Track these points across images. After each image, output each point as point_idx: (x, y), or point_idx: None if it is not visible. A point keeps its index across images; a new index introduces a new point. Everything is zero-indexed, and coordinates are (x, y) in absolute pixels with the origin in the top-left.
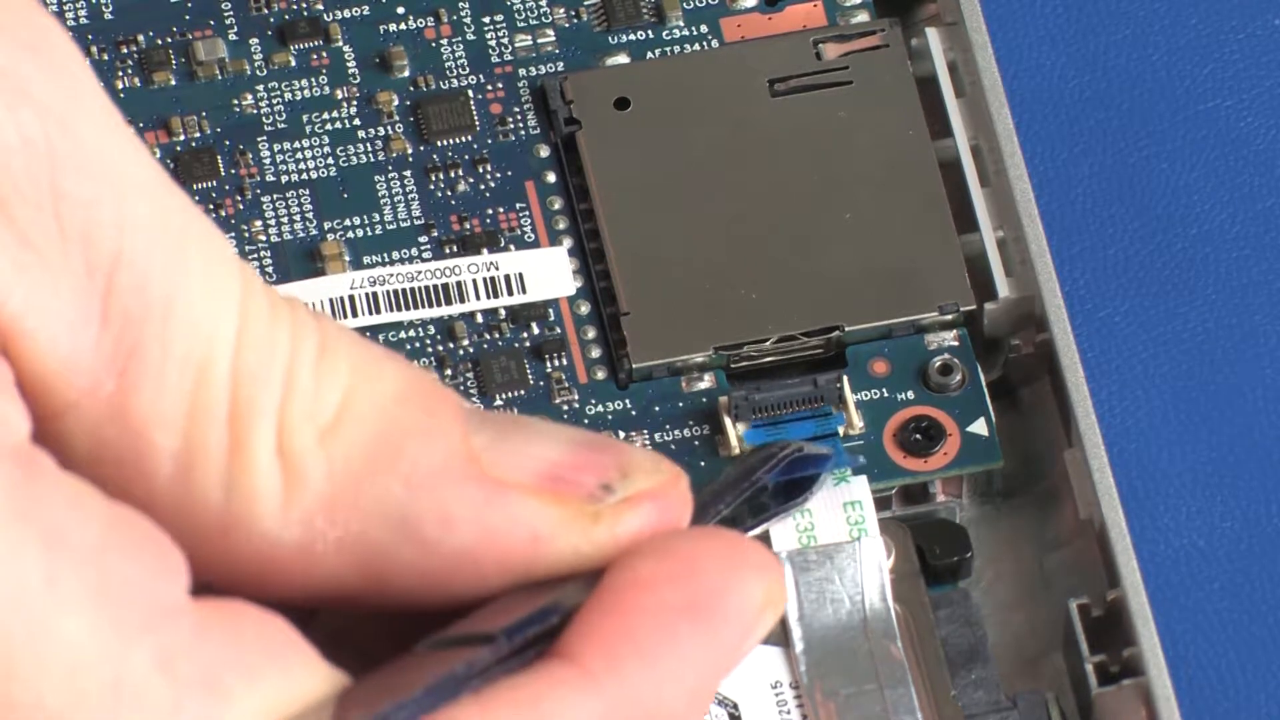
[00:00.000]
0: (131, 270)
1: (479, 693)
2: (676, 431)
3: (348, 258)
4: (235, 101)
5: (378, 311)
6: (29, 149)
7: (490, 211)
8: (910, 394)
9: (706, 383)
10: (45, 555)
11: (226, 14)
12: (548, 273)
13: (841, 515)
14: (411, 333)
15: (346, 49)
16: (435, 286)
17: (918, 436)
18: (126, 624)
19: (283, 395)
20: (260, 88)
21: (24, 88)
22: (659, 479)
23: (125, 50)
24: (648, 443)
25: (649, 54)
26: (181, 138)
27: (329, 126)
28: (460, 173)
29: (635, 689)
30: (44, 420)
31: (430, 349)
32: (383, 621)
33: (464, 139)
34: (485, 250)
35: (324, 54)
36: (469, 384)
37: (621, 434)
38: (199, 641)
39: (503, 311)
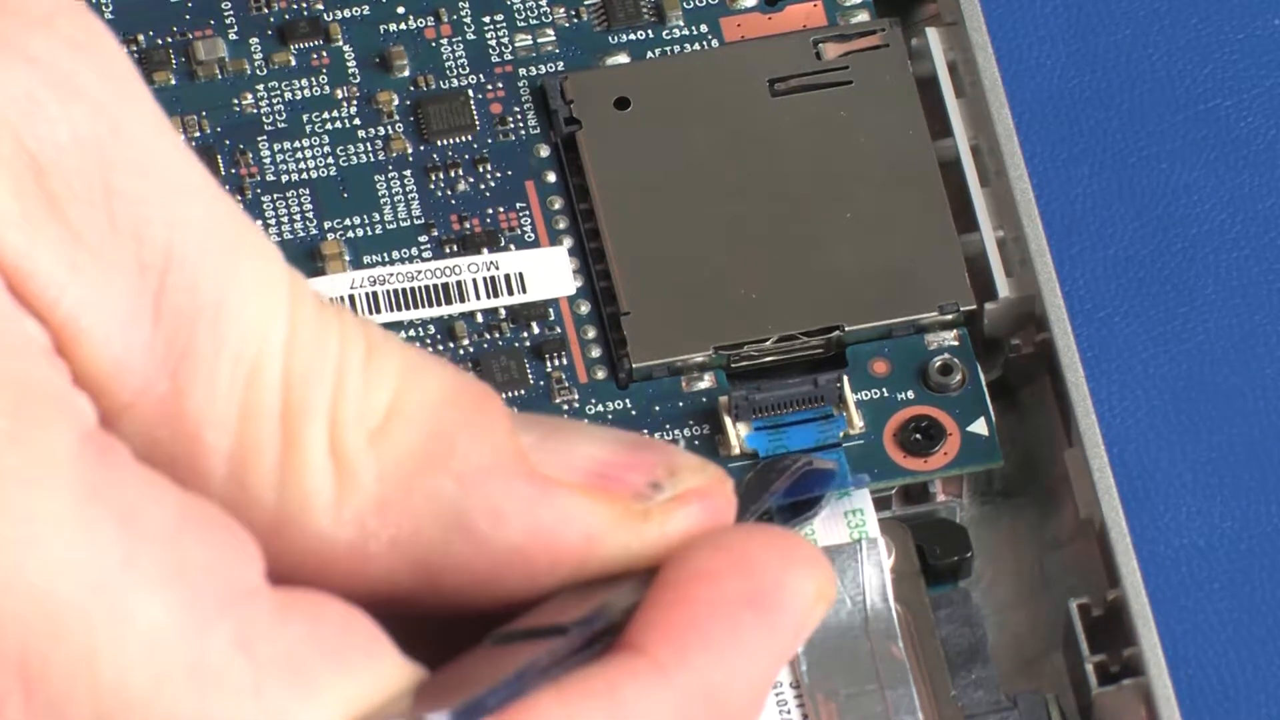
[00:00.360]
0: (183, 269)
1: (558, 682)
2: (677, 431)
3: (348, 257)
4: (235, 101)
5: (378, 311)
6: (81, 146)
7: (490, 211)
8: (910, 394)
9: (706, 382)
10: (122, 537)
11: (226, 14)
12: (548, 272)
13: (842, 522)
14: (411, 332)
15: (346, 49)
16: (435, 286)
17: (918, 436)
18: (205, 605)
19: (333, 397)
20: (260, 87)
21: (76, 86)
22: (706, 478)
23: (125, 50)
24: None
25: (649, 54)
26: (181, 137)
27: (329, 126)
28: (460, 172)
29: (704, 679)
30: (101, 417)
31: (430, 349)
32: (430, 625)
33: (464, 139)
34: (485, 250)
35: (324, 54)
36: None
37: None
38: (279, 626)
39: (503, 311)
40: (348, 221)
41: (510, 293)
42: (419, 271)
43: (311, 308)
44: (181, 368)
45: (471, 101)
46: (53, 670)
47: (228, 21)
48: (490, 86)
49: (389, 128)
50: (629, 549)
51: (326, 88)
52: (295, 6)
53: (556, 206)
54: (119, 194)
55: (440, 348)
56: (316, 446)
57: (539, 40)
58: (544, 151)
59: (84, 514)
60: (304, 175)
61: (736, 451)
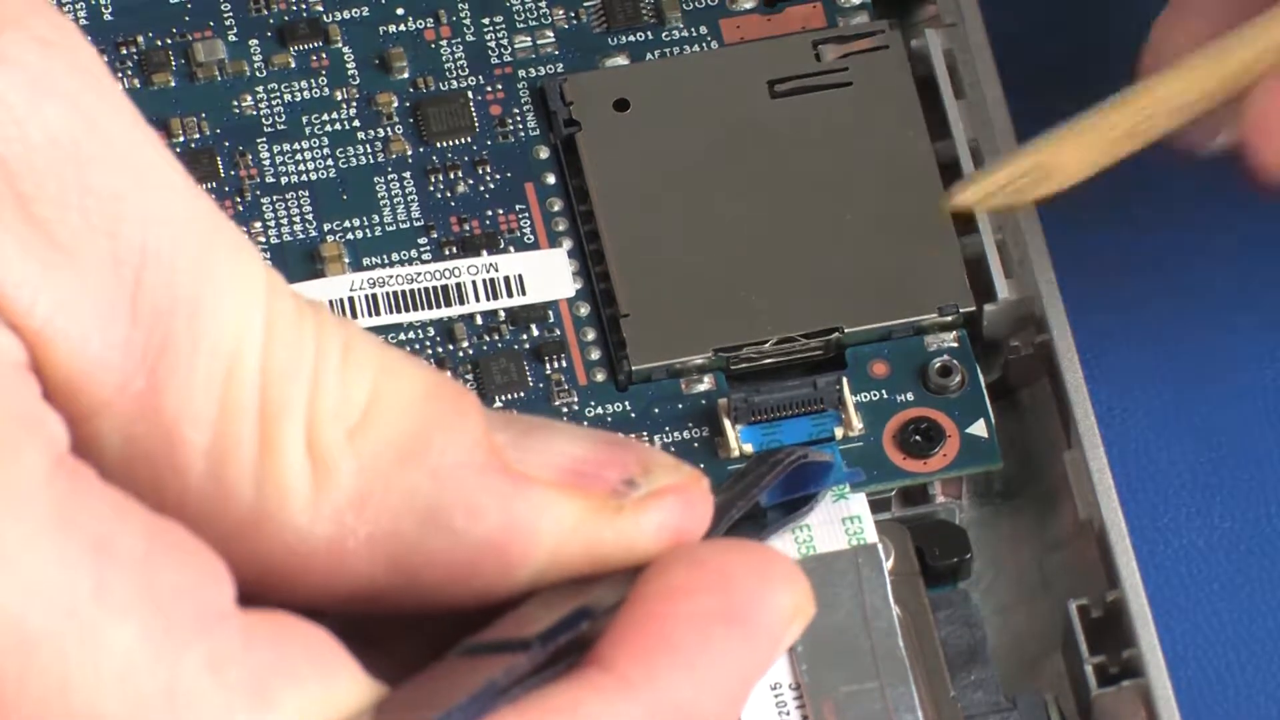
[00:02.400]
0: (159, 266)
1: (517, 702)
2: (676, 433)
3: (347, 259)
4: (235, 103)
5: (377, 313)
6: (54, 145)
7: (490, 213)
8: (910, 395)
9: (706, 384)
10: (94, 564)
11: (226, 15)
12: (547, 274)
13: (840, 529)
14: (411, 334)
15: (346, 50)
16: (435, 288)
17: (917, 438)
18: (177, 630)
19: (311, 393)
20: (260, 89)
21: (49, 84)
22: (681, 476)
23: (125, 51)
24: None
25: (648, 55)
26: (181, 139)
27: (329, 128)
28: (460, 174)
29: (672, 696)
30: (77, 422)
31: (430, 351)
32: (410, 625)
33: (464, 140)
34: (485, 252)
35: (324, 55)
36: (469, 386)
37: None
38: (247, 648)
39: (502, 313)
40: (347, 223)
41: (510, 295)
42: (418, 273)
43: (289, 305)
44: (159, 365)
45: (471, 103)
46: (26, 697)
47: (227, 23)
48: (490, 88)
49: (388, 129)
50: (603, 544)
51: (326, 89)
52: (295, 8)
53: (556, 208)
54: (93, 191)
55: (440, 350)
56: (294, 443)
57: (538, 42)
58: (543, 153)
59: (56, 541)
60: (304, 177)
61: (736, 454)
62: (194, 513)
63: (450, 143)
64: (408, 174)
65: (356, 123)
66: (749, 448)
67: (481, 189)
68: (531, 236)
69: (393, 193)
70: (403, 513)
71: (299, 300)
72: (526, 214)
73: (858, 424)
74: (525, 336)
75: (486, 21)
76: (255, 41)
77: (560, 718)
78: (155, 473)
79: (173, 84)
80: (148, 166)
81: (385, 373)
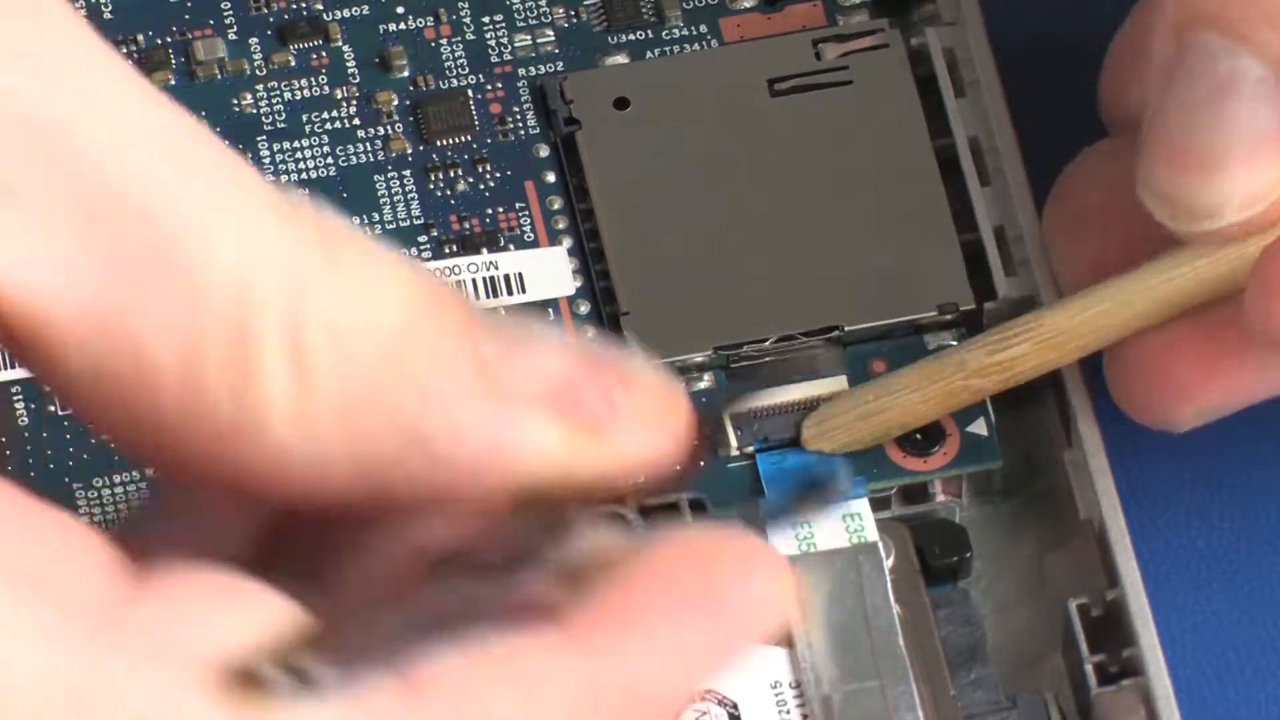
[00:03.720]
0: (118, 180)
1: (461, 642)
2: None
3: None
4: (235, 101)
5: None
6: None
7: (490, 211)
8: None
9: (706, 383)
10: None
11: (226, 14)
12: (547, 273)
13: (840, 527)
14: None
15: (346, 49)
16: None
17: (917, 436)
18: (67, 626)
19: (290, 302)
20: (260, 87)
21: None
22: (660, 399)
23: (124, 50)
24: None
25: (648, 54)
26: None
27: (328, 126)
28: (460, 172)
29: (623, 666)
30: (42, 346)
31: None
32: (364, 553)
33: (463, 139)
34: (485, 250)
35: (323, 54)
36: None
37: None
38: (140, 619)
39: (502, 311)
40: (347, 222)
41: (510, 293)
42: None
43: (264, 206)
44: (120, 285)
45: (471, 101)
46: None
47: (227, 21)
48: (490, 87)
49: (388, 128)
50: (581, 468)
51: (326, 88)
52: (295, 6)
53: (556, 206)
54: (35, 121)
55: None
56: (273, 354)
57: (538, 40)
58: (543, 151)
59: None
60: (303, 175)
61: (736, 453)
62: (171, 427)
63: (450, 141)
64: (408, 172)
65: (356, 121)
66: (749, 448)
67: (481, 187)
68: (531, 235)
69: (393, 191)
70: (385, 432)
71: (276, 201)
72: (526, 212)
73: None
74: None
75: (486, 20)
76: (255, 40)
77: (501, 667)
78: (125, 390)
79: (172, 82)
80: (97, 78)
81: (370, 279)
